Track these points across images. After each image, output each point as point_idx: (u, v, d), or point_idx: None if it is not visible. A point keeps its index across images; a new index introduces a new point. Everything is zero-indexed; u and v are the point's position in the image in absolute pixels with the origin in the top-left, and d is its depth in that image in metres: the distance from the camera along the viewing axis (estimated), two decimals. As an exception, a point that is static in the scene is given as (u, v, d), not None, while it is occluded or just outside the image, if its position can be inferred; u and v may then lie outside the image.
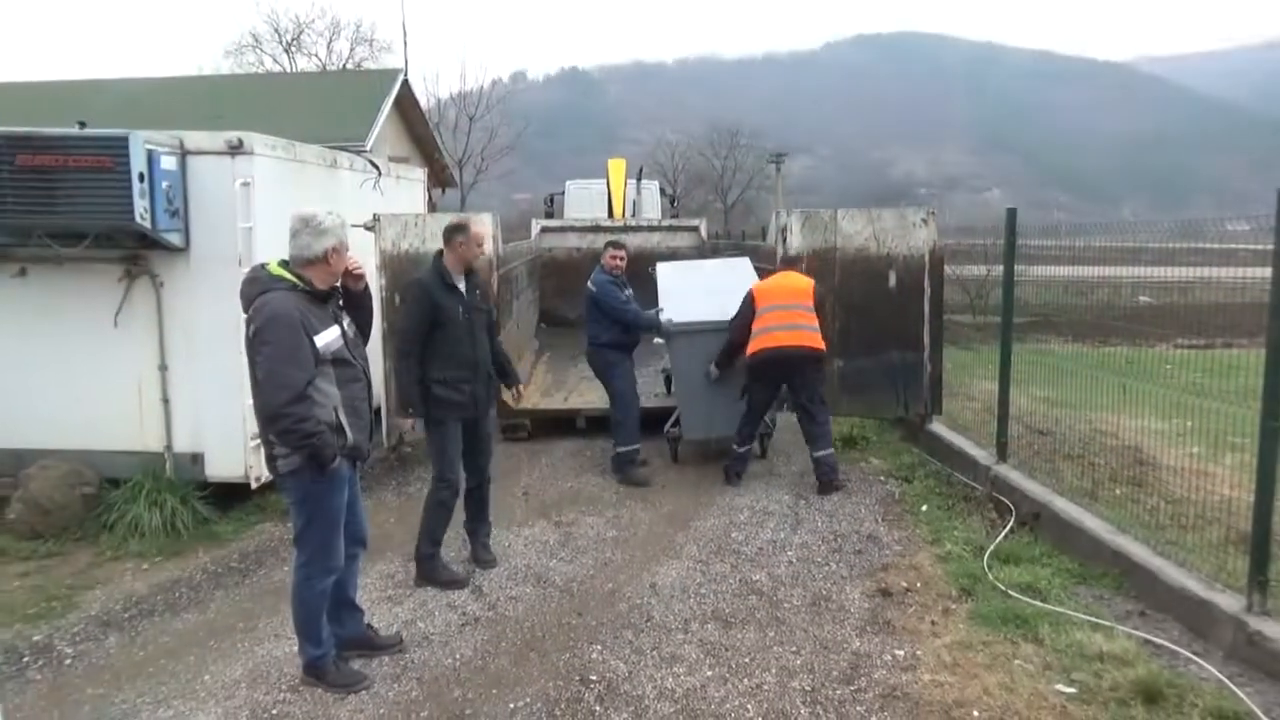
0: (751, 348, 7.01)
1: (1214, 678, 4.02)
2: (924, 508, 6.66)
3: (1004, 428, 6.95)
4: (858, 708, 3.98)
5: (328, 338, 3.99)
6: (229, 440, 6.50)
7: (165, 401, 6.56)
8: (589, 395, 9.14)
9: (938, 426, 8.19)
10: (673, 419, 7.85)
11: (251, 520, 6.67)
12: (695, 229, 14.51)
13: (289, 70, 36.84)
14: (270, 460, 4.07)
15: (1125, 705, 3.82)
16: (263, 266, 4.05)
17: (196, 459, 6.58)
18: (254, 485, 6.55)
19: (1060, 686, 4.01)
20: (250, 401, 6.24)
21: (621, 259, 7.59)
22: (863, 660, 4.39)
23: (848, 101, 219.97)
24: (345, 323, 4.20)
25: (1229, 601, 4.36)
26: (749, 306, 7.11)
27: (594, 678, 4.28)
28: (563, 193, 19.56)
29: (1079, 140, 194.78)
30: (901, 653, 4.45)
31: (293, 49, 40.17)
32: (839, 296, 8.31)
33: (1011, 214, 6.84)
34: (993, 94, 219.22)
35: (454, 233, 5.40)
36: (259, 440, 6.33)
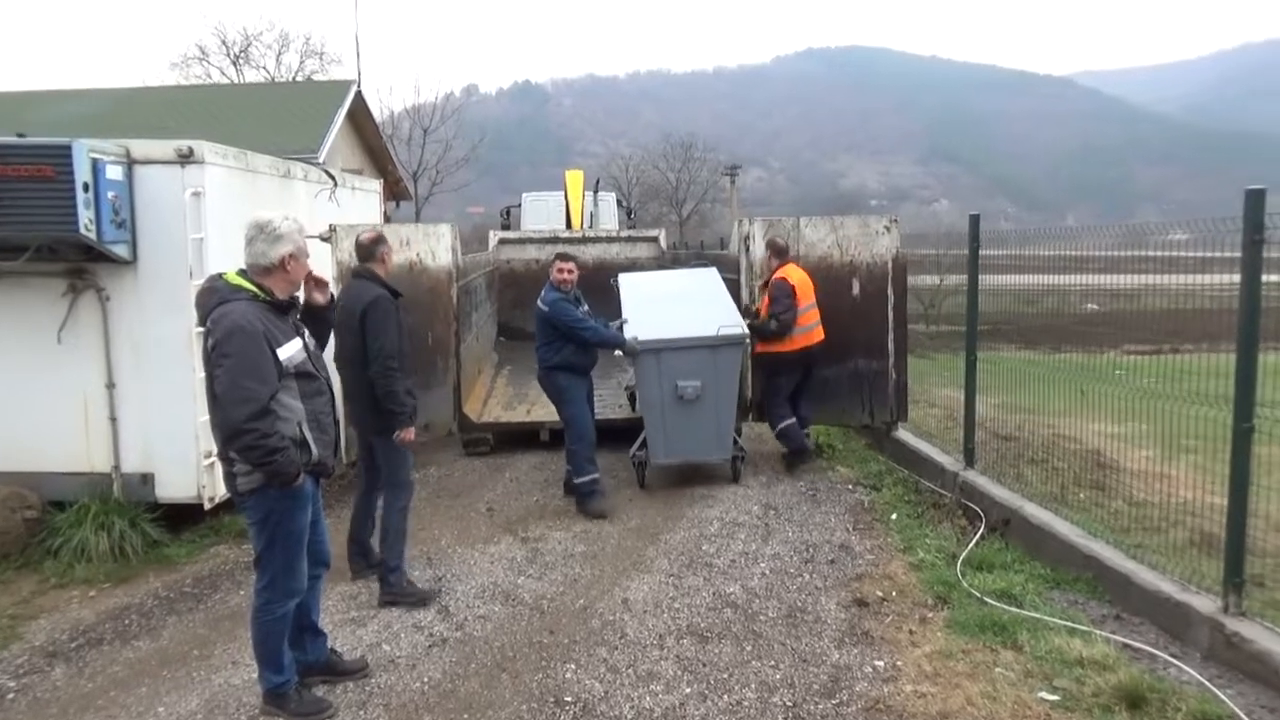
0: (800, 343, 7.64)
1: (1194, 680, 4.01)
2: (894, 516, 6.63)
3: (970, 434, 6.95)
4: (840, 722, 3.90)
5: (290, 350, 3.82)
6: (181, 459, 6.25)
7: (113, 420, 6.29)
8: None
9: (903, 433, 8.19)
10: (639, 442, 7.53)
11: (205, 542, 6.43)
12: (655, 240, 14.45)
13: (237, 83, 36.18)
14: (229, 478, 3.88)
15: (1109, 711, 3.79)
16: (220, 276, 3.88)
17: (146, 479, 6.32)
18: (207, 506, 6.31)
19: (1043, 694, 3.96)
20: (204, 419, 6.06)
21: (571, 272, 6.98)
22: (843, 673, 4.31)
23: (798, 114, 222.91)
24: (306, 334, 4.04)
25: (1204, 603, 4.36)
26: (793, 301, 7.52)
27: (569, 699, 4.15)
28: (519, 205, 19.44)
29: (1022, 151, 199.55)
30: (882, 664, 4.38)
31: (240, 62, 39.45)
32: (803, 305, 8.29)
33: (974, 220, 6.86)
34: (938, 106, 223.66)
35: (378, 244, 5.48)
36: (212, 459, 6.15)
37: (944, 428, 8.62)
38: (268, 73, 39.24)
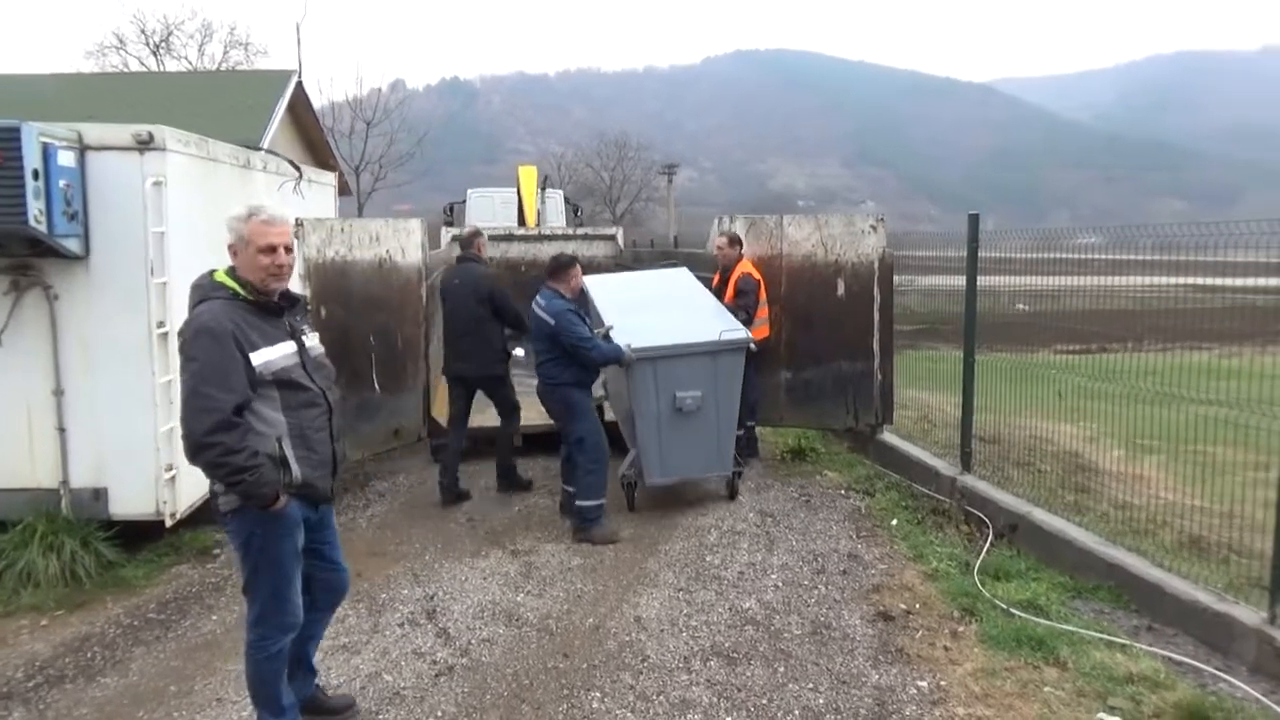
0: (767, 331, 7.92)
1: (1252, 697, 3.87)
2: (894, 522, 6.45)
3: (968, 438, 6.80)
4: (894, 750, 3.66)
5: (269, 355, 3.37)
6: (137, 472, 5.71)
7: (61, 430, 5.72)
8: (524, 411, 8.62)
9: (889, 437, 8.03)
10: (629, 460, 6.85)
11: (165, 562, 5.90)
12: (612, 238, 14.07)
13: (168, 71, 34.56)
14: (212, 496, 3.45)
15: (1175, 732, 3.63)
16: (210, 273, 3.46)
17: (99, 495, 5.77)
18: (169, 523, 5.79)
19: (1103, 716, 3.78)
20: (165, 428, 5.59)
21: (577, 278, 6.50)
22: (887, 695, 4.07)
23: (728, 115, 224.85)
24: (307, 339, 3.62)
25: (1247, 614, 4.24)
26: (758, 296, 7.79)
27: (600, 732, 3.83)
28: (464, 201, 18.89)
29: (944, 155, 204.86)
30: (925, 684, 4.16)
31: (161, 51, 37.74)
32: (785, 305, 8.09)
33: (974, 220, 6.70)
34: (864, 110, 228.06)
35: (477, 236, 7.51)
36: (173, 472, 5.66)
37: (922, 429, 8.50)
38: (190, 63, 37.67)
